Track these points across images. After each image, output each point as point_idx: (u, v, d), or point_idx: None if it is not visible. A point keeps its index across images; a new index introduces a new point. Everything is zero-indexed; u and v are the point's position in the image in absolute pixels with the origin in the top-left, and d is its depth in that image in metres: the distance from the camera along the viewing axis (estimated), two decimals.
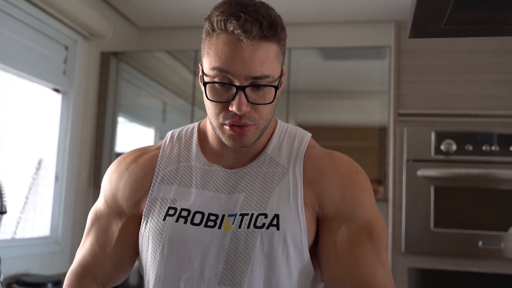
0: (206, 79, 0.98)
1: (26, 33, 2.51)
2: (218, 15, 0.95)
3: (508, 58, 2.45)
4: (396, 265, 2.43)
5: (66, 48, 2.83)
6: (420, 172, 2.42)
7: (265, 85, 0.96)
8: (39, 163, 2.80)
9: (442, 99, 2.49)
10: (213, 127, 1.03)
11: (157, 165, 1.11)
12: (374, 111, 2.87)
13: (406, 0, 2.73)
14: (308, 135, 1.14)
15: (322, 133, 2.86)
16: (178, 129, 1.17)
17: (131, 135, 3.29)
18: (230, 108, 0.96)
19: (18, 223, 2.66)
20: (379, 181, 2.77)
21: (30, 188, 2.74)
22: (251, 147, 1.07)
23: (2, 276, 1.54)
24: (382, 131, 2.78)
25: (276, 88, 0.98)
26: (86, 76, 2.99)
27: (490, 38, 2.39)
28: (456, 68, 2.49)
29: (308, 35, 3.26)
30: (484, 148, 2.41)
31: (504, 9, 0.74)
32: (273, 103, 1.00)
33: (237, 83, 0.95)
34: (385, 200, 2.61)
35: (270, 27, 0.95)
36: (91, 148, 3.06)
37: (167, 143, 1.14)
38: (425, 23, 0.78)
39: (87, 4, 2.83)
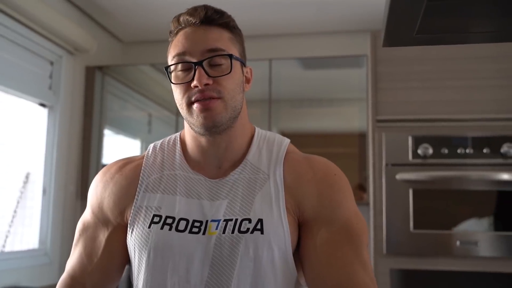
0: (169, 70, 1.07)
1: (12, 49, 2.55)
2: (172, 20, 1.10)
3: (479, 64, 2.54)
4: (378, 267, 2.49)
5: (51, 63, 2.87)
6: (398, 176, 2.49)
7: (220, 55, 1.03)
8: (27, 176, 2.83)
9: (417, 105, 2.56)
10: (185, 118, 1.08)
11: (141, 174, 1.12)
12: (354, 118, 2.94)
13: (381, 10, 2.82)
14: (287, 140, 1.16)
15: (304, 141, 2.93)
16: (160, 141, 1.20)
17: (118, 147, 3.33)
18: (192, 85, 1.02)
19: (6, 236, 2.68)
20: (361, 187, 2.83)
21: (18, 202, 2.76)
22: (229, 145, 1.10)
23: None
24: (361, 137, 2.85)
25: (231, 56, 1.04)
26: (71, 91, 3.03)
27: (460, 46, 2.47)
28: (430, 75, 2.57)
29: (288, 46, 3.33)
30: (459, 151, 2.48)
31: (470, 18, 0.78)
32: (235, 78, 1.06)
33: (194, 60, 1.03)
34: (366, 204, 2.68)
35: (216, 12, 1.07)
36: (78, 161, 3.10)
37: (150, 153, 1.17)
38: (398, 33, 0.81)
39: (71, 20, 2.88)
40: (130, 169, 1.15)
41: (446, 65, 2.57)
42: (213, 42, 1.04)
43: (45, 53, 2.80)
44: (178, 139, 1.18)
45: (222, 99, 1.03)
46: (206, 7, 1.07)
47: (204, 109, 1.02)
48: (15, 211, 2.74)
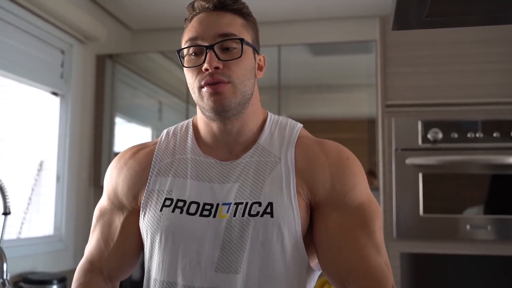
0: (182, 54, 1.09)
1: (24, 39, 2.58)
2: (187, 7, 1.13)
3: (489, 48, 2.53)
4: (388, 250, 2.47)
5: (62, 52, 2.90)
6: (408, 161, 2.50)
7: (232, 39, 1.05)
8: (41, 164, 2.87)
9: (427, 89, 2.56)
10: (197, 102, 1.09)
11: (153, 159, 1.14)
12: (363, 103, 2.94)
13: None
14: (299, 125, 1.16)
15: (313, 126, 2.91)
16: (173, 126, 1.22)
17: (129, 135, 3.36)
18: (203, 68, 1.03)
19: (22, 223, 2.73)
20: (371, 172, 2.84)
21: (32, 189, 2.81)
22: (240, 130, 1.10)
23: (8, 275, 1.60)
24: (370, 122, 2.86)
25: (242, 40, 1.05)
26: (82, 79, 3.06)
27: (471, 29, 2.46)
28: (439, 59, 2.56)
29: (297, 32, 3.33)
30: (469, 135, 2.48)
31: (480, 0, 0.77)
32: (246, 63, 1.07)
33: (206, 44, 1.04)
34: (376, 189, 2.69)
35: None
36: (91, 148, 3.13)
37: (163, 138, 1.19)
38: (407, 16, 0.79)
39: (81, 9, 2.90)
40: (143, 155, 1.16)
41: (455, 50, 2.56)
42: (225, 27, 1.05)
43: (56, 42, 2.83)
44: (191, 124, 1.19)
45: (232, 83, 1.04)
46: None
47: (214, 93, 1.03)
48: (30, 198, 2.79)
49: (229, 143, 1.11)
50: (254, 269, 1.01)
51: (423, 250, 2.48)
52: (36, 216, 2.83)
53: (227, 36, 1.04)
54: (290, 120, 1.18)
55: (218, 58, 1.03)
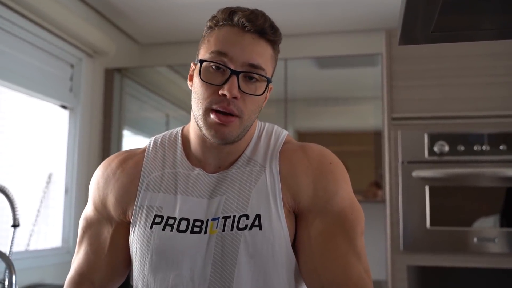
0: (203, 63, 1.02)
1: (34, 53, 2.62)
2: (223, 11, 1.03)
3: (495, 61, 2.54)
4: (395, 263, 2.51)
5: (72, 66, 2.94)
6: (415, 173, 2.50)
7: (259, 74, 1.00)
8: (49, 177, 2.89)
9: (433, 102, 2.57)
10: (197, 119, 1.03)
11: (142, 172, 1.10)
12: (369, 116, 2.96)
13: (395, 9, 2.84)
14: (285, 132, 1.14)
15: (319, 139, 2.95)
16: (161, 135, 1.18)
17: (136, 147, 3.38)
18: (220, 92, 0.98)
19: (31, 235, 2.75)
20: (377, 184, 2.85)
21: (41, 202, 2.83)
22: (232, 150, 1.08)
23: (17, 287, 1.62)
24: (377, 135, 2.87)
25: (269, 81, 1.03)
26: (91, 92, 3.09)
27: (477, 42, 2.47)
28: (445, 72, 2.58)
29: (303, 45, 3.36)
30: (475, 148, 2.49)
31: (486, 15, 0.78)
32: (260, 100, 1.04)
33: (232, 67, 0.99)
34: (383, 201, 2.69)
35: (271, 27, 1.03)
36: (98, 161, 3.15)
37: (150, 148, 1.14)
38: (414, 31, 0.80)
39: (90, 24, 2.94)
40: (131, 166, 1.12)
41: (461, 63, 2.58)
42: (258, 56, 1.00)
43: (66, 56, 2.87)
44: (180, 135, 1.15)
45: (240, 118, 1.01)
46: (265, 17, 1.03)
47: (220, 124, 0.99)
48: (38, 211, 2.81)
49: (219, 159, 1.09)
50: (246, 282, 1.00)
51: (430, 263, 2.47)
52: (45, 228, 2.84)
53: (255, 68, 1.00)
54: (276, 127, 1.15)
55: (239, 87, 0.99)
